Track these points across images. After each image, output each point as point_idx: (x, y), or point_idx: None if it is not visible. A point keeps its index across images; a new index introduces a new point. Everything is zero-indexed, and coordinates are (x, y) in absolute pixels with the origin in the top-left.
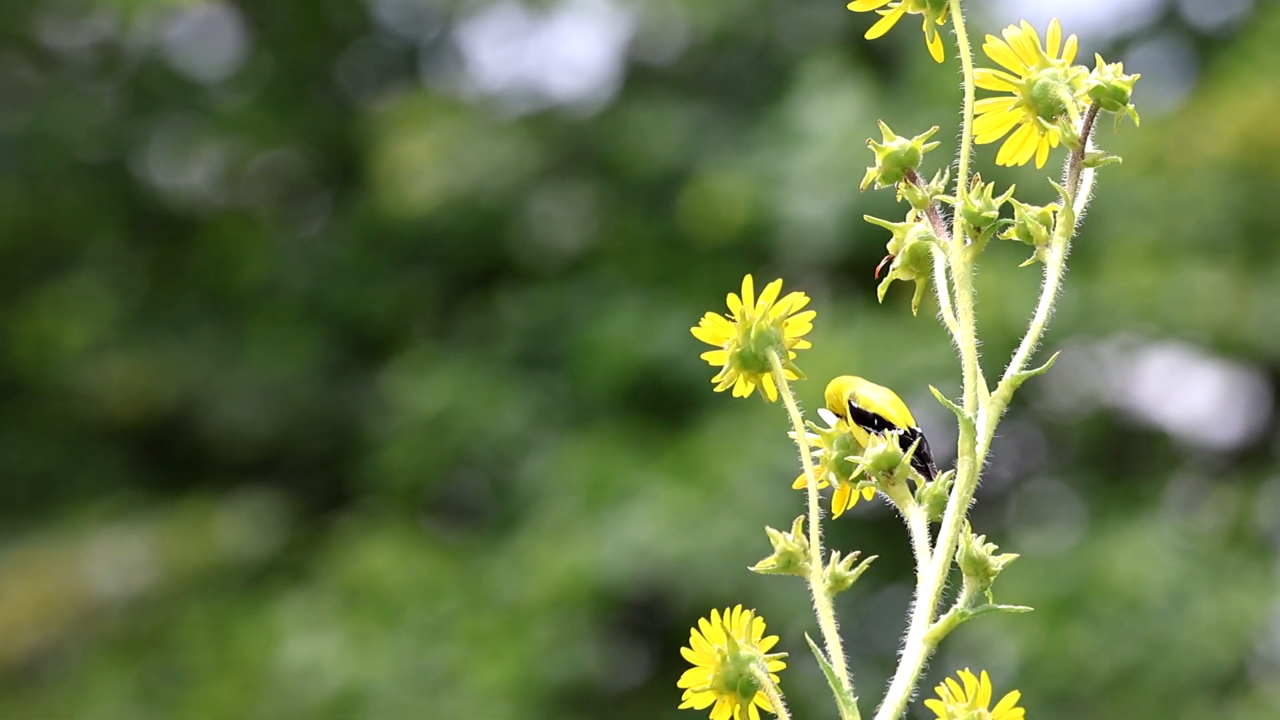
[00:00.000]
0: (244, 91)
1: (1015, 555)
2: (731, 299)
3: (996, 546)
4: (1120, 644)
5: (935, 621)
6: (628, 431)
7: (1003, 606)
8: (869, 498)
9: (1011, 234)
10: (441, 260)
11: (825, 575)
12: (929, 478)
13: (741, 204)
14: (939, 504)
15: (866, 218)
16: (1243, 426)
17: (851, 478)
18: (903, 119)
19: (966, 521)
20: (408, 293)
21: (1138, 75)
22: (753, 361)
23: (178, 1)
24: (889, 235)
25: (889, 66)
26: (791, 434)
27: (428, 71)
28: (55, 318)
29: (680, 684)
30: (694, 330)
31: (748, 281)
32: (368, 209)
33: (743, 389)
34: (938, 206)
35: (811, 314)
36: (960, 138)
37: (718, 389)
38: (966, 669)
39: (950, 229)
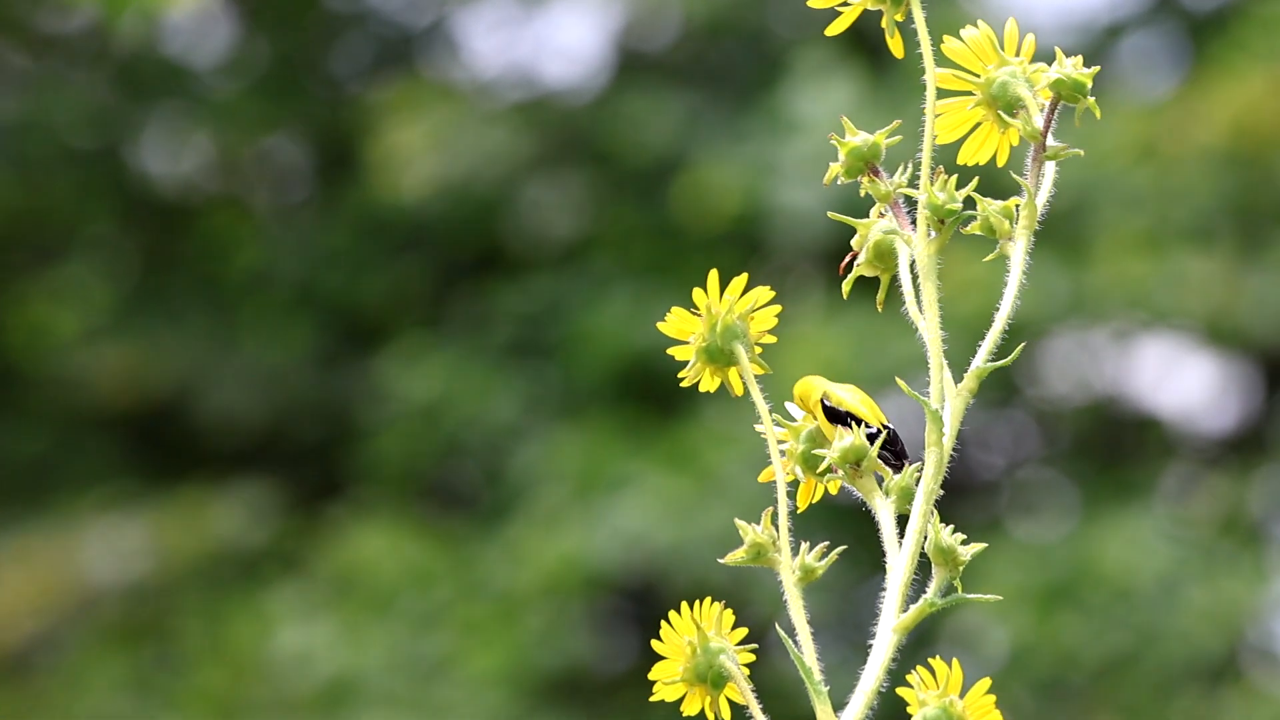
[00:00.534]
0: (237, 79)
1: (984, 545)
2: (697, 293)
3: (965, 536)
4: (1111, 632)
5: (905, 611)
6: (620, 420)
7: (972, 596)
8: (834, 491)
9: (975, 228)
10: (434, 248)
11: (795, 566)
12: (898, 471)
13: (734, 193)
14: (906, 496)
15: (830, 215)
16: (1235, 414)
17: (819, 471)
18: (895, 108)
19: (935, 512)
20: (400, 281)
21: (1097, 68)
22: (719, 356)
23: (163, 6)
24: None
25: (882, 55)
26: (759, 427)
27: (421, 59)
28: (48, 305)
29: (651, 676)
30: (660, 325)
31: (713, 275)
32: (360, 197)
33: (709, 383)
34: (901, 201)
35: (777, 308)
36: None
37: (684, 384)
38: (955, 659)
39: (915, 223)
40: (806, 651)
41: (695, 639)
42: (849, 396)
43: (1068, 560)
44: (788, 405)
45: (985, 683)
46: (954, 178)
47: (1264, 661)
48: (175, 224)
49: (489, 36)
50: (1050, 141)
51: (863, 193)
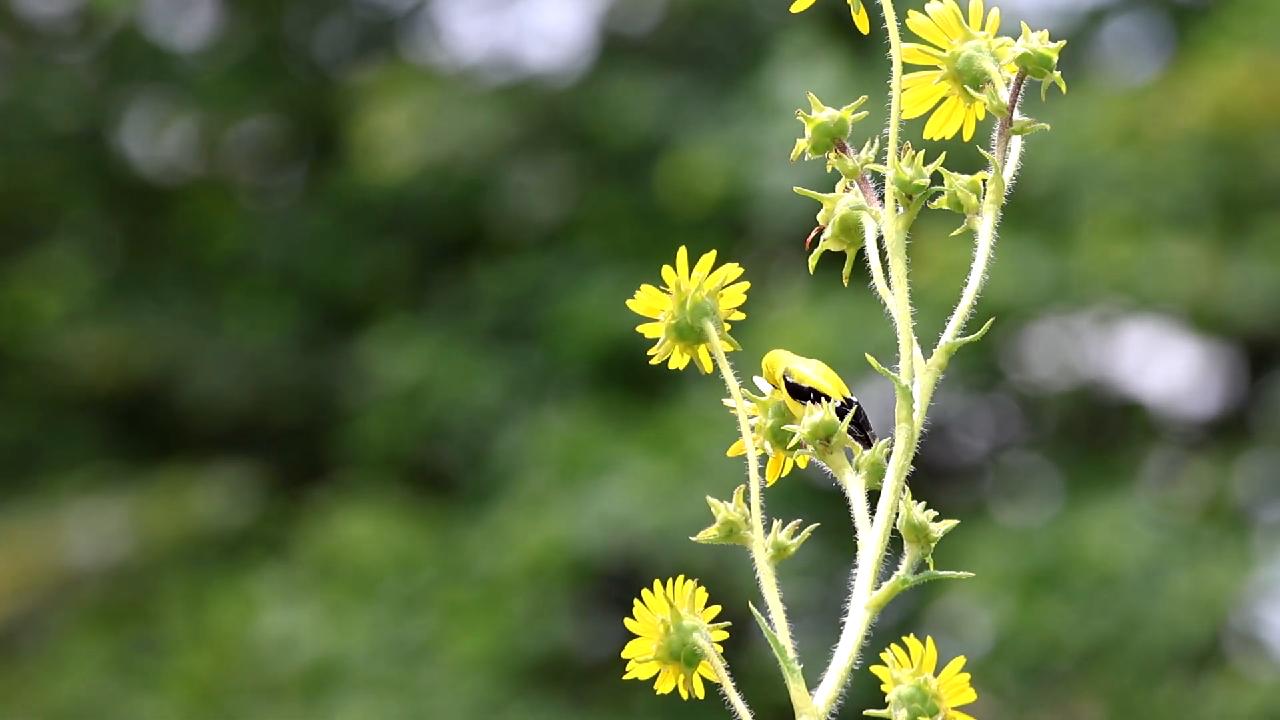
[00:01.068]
0: (220, 62)
1: (955, 522)
2: (666, 270)
3: (937, 513)
4: (1095, 618)
5: (877, 589)
6: (604, 404)
7: (944, 573)
8: (803, 465)
9: (942, 203)
10: (417, 231)
11: (768, 544)
12: (867, 446)
13: (717, 177)
14: (877, 471)
15: (796, 189)
16: (1219, 399)
17: (789, 447)
18: (879, 91)
19: (907, 489)
20: (383, 263)
21: (1063, 42)
22: (689, 333)
23: None
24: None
25: (865, 39)
26: (727, 401)
27: (404, 42)
28: (31, 288)
29: (624, 654)
30: (629, 303)
31: (682, 253)
32: (343, 179)
33: (679, 360)
34: (869, 176)
35: (746, 285)
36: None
37: (653, 361)
38: (929, 638)
39: (882, 198)
40: (780, 629)
41: (669, 617)
42: (811, 372)
43: (1051, 546)
44: (756, 380)
45: (960, 660)
46: (921, 153)
47: (1248, 648)
48: (158, 207)
49: (472, 19)
50: (1016, 116)
51: (829, 168)
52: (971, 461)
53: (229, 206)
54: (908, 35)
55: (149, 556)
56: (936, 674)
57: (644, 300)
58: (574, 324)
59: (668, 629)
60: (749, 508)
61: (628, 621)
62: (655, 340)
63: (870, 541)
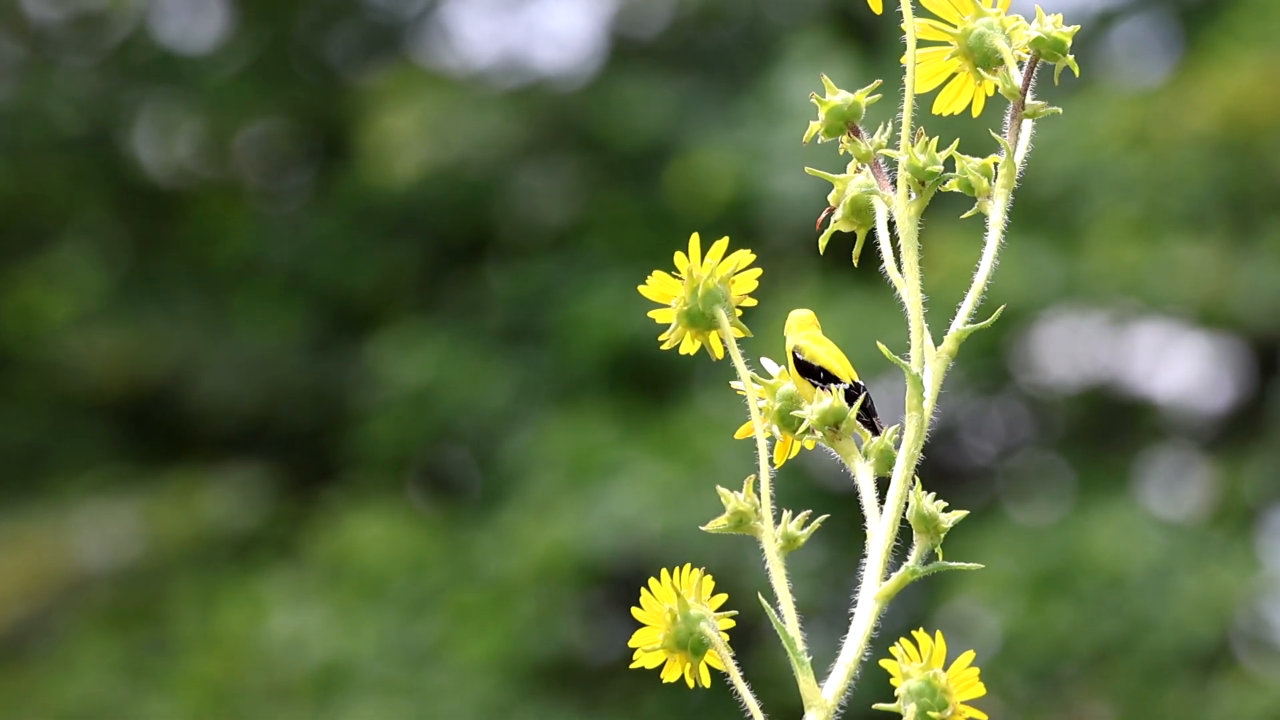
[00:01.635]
0: (229, 65)
1: (965, 512)
2: (679, 257)
3: (947, 503)
4: (1104, 620)
5: (886, 579)
6: (612, 407)
7: (954, 564)
8: (810, 448)
9: (953, 185)
10: (426, 234)
11: (777, 535)
12: (875, 432)
13: (726, 179)
14: (886, 459)
15: (808, 170)
16: (1229, 399)
17: (798, 432)
18: (888, 93)
19: (916, 479)
20: (392, 266)
21: (1077, 27)
22: (700, 319)
23: None
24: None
25: (875, 40)
26: (736, 385)
27: (413, 46)
28: (41, 291)
29: (630, 644)
30: (641, 289)
31: (694, 240)
32: (353, 183)
33: (689, 346)
34: (881, 161)
35: (758, 271)
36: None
37: (664, 347)
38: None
39: (895, 184)
40: (789, 620)
41: (675, 606)
42: (821, 350)
43: (1060, 548)
44: (763, 361)
45: (969, 655)
46: (935, 139)
47: (1256, 649)
48: (167, 210)
49: (482, 23)
50: (1029, 99)
51: (842, 151)
52: (981, 464)
53: (238, 209)
54: (921, 11)
55: (158, 559)
56: (945, 669)
57: (656, 286)
58: (582, 327)
59: (675, 618)
60: (759, 499)
61: (635, 610)
62: (657, 320)
63: (880, 530)
